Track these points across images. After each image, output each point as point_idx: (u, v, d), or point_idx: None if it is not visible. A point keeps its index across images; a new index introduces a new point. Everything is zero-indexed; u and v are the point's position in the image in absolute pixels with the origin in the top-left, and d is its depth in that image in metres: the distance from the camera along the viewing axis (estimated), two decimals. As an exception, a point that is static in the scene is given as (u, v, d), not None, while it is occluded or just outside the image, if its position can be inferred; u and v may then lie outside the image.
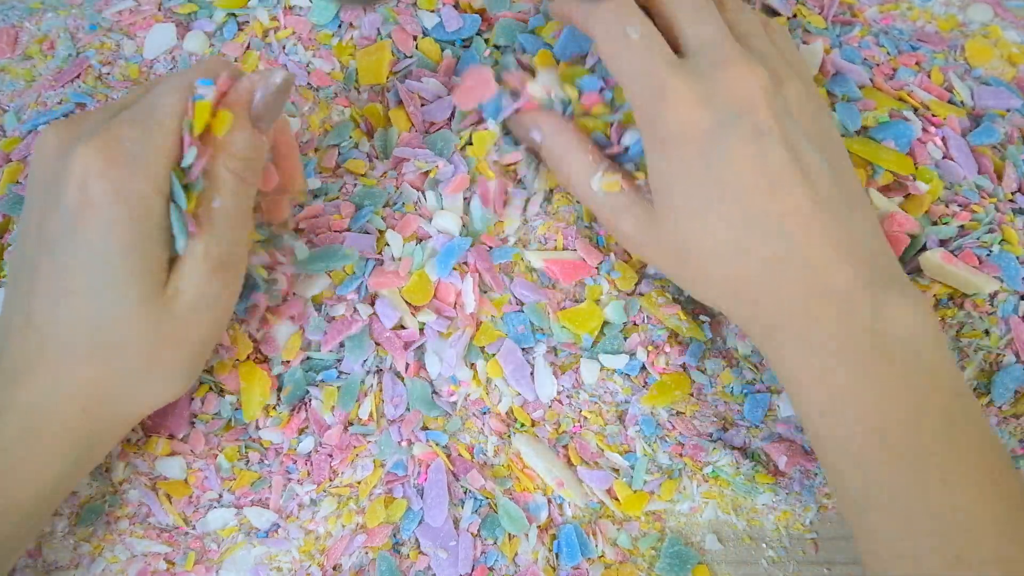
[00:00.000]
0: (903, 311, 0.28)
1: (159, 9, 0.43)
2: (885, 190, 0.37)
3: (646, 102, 0.31)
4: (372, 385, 0.35)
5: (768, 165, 0.29)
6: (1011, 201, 0.38)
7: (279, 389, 0.35)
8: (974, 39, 0.44)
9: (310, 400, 0.35)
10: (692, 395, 0.36)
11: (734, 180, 0.29)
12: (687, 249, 0.31)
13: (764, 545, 0.34)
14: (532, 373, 0.35)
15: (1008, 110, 0.40)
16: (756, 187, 0.29)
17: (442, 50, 0.41)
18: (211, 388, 0.34)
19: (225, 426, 0.34)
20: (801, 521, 0.35)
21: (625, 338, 0.36)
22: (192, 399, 0.34)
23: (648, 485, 0.35)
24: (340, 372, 0.35)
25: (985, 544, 0.25)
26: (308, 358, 0.35)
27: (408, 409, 0.35)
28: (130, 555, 0.33)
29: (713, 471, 0.35)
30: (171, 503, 0.34)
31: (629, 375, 0.35)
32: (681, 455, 0.35)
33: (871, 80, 0.41)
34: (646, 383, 0.36)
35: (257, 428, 0.34)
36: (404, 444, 0.34)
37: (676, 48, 0.32)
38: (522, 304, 0.36)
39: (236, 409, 0.34)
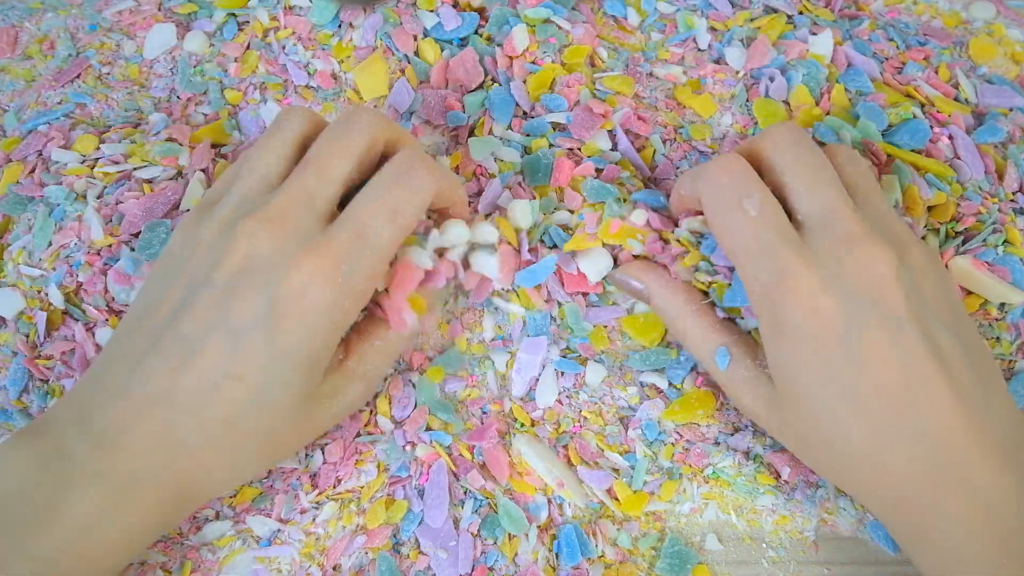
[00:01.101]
0: None
1: (159, 9, 0.43)
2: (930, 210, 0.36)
3: (764, 286, 0.29)
4: (379, 388, 0.35)
5: (904, 359, 0.27)
6: (1012, 201, 0.38)
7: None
8: (978, 37, 0.43)
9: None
10: (713, 414, 0.35)
11: (868, 379, 0.27)
12: (819, 443, 0.29)
13: (764, 545, 0.34)
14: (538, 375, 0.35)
15: (1011, 108, 0.40)
16: (893, 386, 0.27)
17: (441, 50, 0.41)
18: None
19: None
20: (801, 527, 0.35)
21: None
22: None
23: (648, 485, 0.35)
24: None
25: None
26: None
27: (416, 406, 0.35)
28: (127, 563, 0.33)
29: (714, 472, 0.35)
30: None
31: (659, 388, 0.36)
32: (683, 458, 0.35)
33: (880, 74, 0.41)
34: (668, 398, 0.35)
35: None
36: (408, 448, 0.34)
37: (789, 211, 0.30)
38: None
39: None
